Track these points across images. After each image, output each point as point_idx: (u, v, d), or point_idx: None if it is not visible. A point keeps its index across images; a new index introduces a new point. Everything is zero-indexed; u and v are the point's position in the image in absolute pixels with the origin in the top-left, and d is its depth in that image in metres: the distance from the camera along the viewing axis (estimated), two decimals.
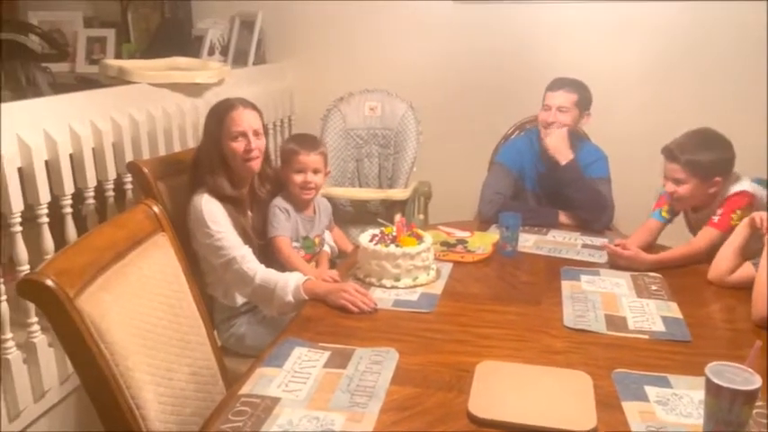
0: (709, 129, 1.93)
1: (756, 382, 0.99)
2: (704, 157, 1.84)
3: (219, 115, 1.78)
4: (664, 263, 1.83)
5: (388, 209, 2.94)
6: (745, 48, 2.91)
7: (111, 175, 2.06)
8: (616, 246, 1.83)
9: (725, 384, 0.99)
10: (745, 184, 1.89)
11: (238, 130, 1.76)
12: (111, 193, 2.08)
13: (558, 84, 2.28)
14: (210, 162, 1.77)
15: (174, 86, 2.39)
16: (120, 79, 2.31)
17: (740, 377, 1.01)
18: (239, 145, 1.76)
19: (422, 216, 2.98)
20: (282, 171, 1.93)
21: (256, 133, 1.79)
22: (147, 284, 1.31)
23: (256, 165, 1.81)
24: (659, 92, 3.06)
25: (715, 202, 1.87)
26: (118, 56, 3.31)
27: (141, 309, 1.26)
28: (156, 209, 1.42)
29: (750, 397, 0.99)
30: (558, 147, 2.22)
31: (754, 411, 1.05)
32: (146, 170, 1.76)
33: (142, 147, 2.18)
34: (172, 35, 3.23)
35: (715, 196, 1.87)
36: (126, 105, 2.14)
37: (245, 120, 1.77)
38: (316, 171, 1.91)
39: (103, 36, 3.35)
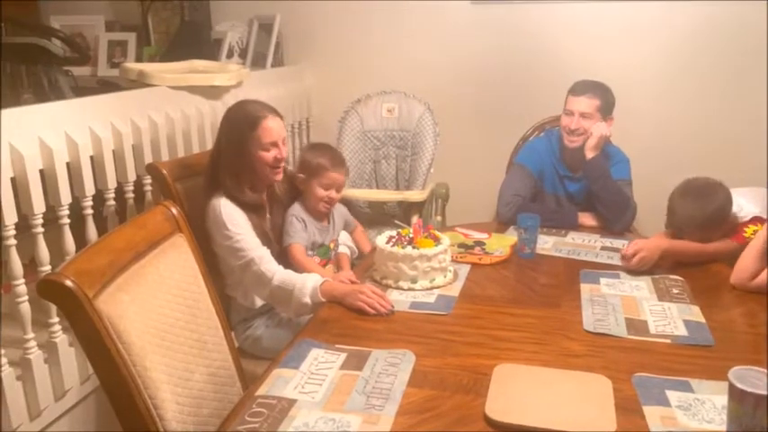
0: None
1: None
2: None
3: (250, 123, 1.74)
4: (673, 250, 1.79)
5: (406, 210, 2.94)
6: (761, 46, 2.86)
7: (131, 176, 2.08)
8: (622, 256, 1.80)
9: (749, 389, 0.97)
10: (746, 210, 1.88)
11: (271, 141, 1.75)
12: (130, 195, 2.10)
13: (581, 88, 2.25)
14: (234, 168, 1.76)
15: (193, 89, 2.41)
16: (140, 82, 2.33)
17: (763, 382, 0.98)
18: (270, 154, 1.76)
19: (439, 218, 2.97)
20: (307, 181, 1.92)
21: (284, 142, 1.80)
22: (165, 285, 1.32)
23: (280, 175, 1.82)
24: (677, 90, 3.00)
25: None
26: (138, 59, 3.35)
27: (159, 309, 1.27)
28: (174, 210, 1.43)
29: None
30: (597, 140, 2.19)
31: None
32: (164, 171, 1.78)
33: (161, 149, 2.20)
34: (191, 38, 3.26)
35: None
36: (145, 108, 2.16)
37: (277, 130, 1.77)
38: (339, 189, 1.93)
39: (124, 40, 3.39)
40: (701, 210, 1.81)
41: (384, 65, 3.29)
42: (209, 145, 2.40)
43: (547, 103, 2.58)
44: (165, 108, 2.25)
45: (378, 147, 3.04)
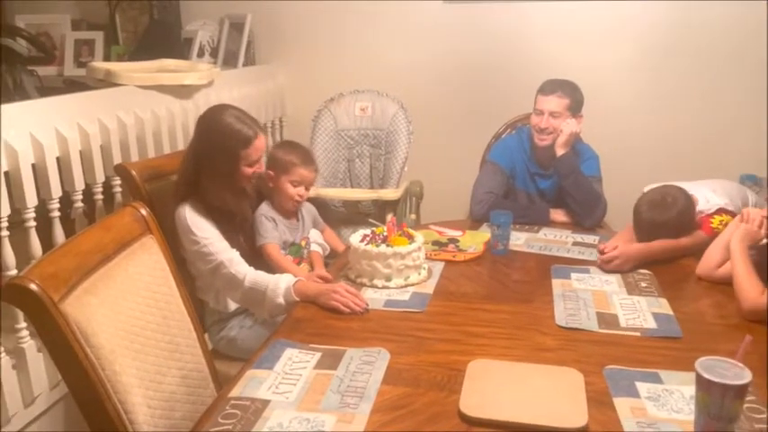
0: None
1: (747, 376, 0.99)
2: None
3: (243, 142, 1.72)
4: (650, 252, 1.82)
5: (380, 209, 2.94)
6: (733, 46, 2.93)
7: (100, 178, 2.04)
8: (600, 251, 1.82)
9: (715, 379, 0.98)
10: (712, 203, 1.93)
11: (257, 158, 1.77)
12: (99, 197, 2.06)
13: (550, 87, 2.27)
14: (222, 182, 1.74)
15: (163, 88, 2.38)
16: (108, 82, 2.29)
17: (730, 372, 1.00)
18: (251, 170, 1.77)
19: (414, 216, 2.98)
20: (276, 179, 1.91)
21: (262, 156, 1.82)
22: (135, 287, 1.30)
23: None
24: (649, 90, 3.07)
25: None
26: (106, 58, 3.29)
27: (129, 312, 1.25)
28: (143, 211, 1.41)
29: (740, 391, 0.99)
30: (567, 137, 2.21)
31: (745, 406, 1.05)
32: (134, 172, 1.75)
33: (131, 149, 2.16)
34: (160, 37, 3.22)
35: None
36: (113, 108, 2.13)
37: (263, 146, 1.78)
38: (308, 186, 1.93)
39: (91, 39, 3.33)
40: (663, 216, 1.86)
41: (357, 64, 3.29)
42: (181, 145, 2.38)
43: (519, 101, 2.60)
44: (134, 108, 2.21)
45: (351, 146, 3.04)
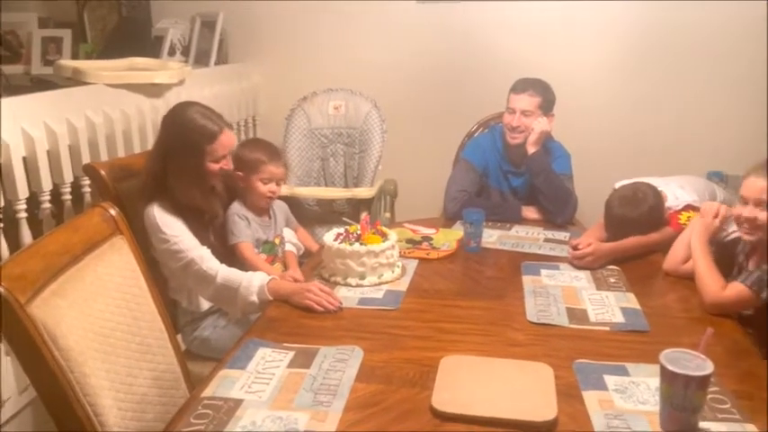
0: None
1: (709, 367, 1.02)
2: None
3: (208, 137, 1.70)
4: (621, 249, 1.86)
5: (355, 208, 2.94)
6: (703, 48, 2.99)
7: (68, 178, 2.01)
8: (573, 246, 1.85)
9: (679, 371, 1.01)
10: (680, 199, 1.97)
11: (223, 154, 1.75)
12: (68, 197, 2.03)
13: (522, 86, 2.30)
14: (189, 179, 1.72)
15: (133, 87, 2.35)
16: (76, 80, 2.26)
17: (693, 363, 1.03)
18: (218, 166, 1.75)
19: (388, 214, 2.99)
20: (246, 178, 1.89)
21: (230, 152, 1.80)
22: (104, 288, 1.29)
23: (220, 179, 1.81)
24: (619, 90, 3.12)
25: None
26: (75, 57, 3.24)
27: (98, 313, 1.24)
28: (112, 211, 1.39)
29: (703, 382, 1.02)
30: (538, 135, 2.24)
31: (708, 396, 1.08)
32: (103, 172, 1.72)
33: (100, 149, 2.13)
34: (130, 35, 3.17)
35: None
36: (82, 107, 2.10)
37: (230, 143, 1.77)
38: (279, 182, 1.92)
39: (59, 37, 3.26)
40: (633, 212, 1.89)
41: (331, 63, 3.29)
42: (151, 145, 2.34)
43: (492, 99, 2.63)
44: (103, 107, 2.18)
45: (325, 144, 3.04)
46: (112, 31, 3.28)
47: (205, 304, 1.83)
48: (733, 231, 1.72)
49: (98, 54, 3.20)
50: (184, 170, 1.71)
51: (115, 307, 1.30)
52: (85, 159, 2.05)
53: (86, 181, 2.06)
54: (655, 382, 1.11)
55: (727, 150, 3.00)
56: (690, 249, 1.71)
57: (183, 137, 1.71)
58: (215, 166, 1.74)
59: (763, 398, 1.16)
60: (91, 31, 3.33)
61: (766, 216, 1.52)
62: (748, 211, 1.55)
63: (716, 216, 1.71)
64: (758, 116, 2.96)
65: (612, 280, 1.72)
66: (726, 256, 1.70)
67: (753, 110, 2.98)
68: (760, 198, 1.53)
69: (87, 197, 2.09)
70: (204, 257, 1.68)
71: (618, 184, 2.02)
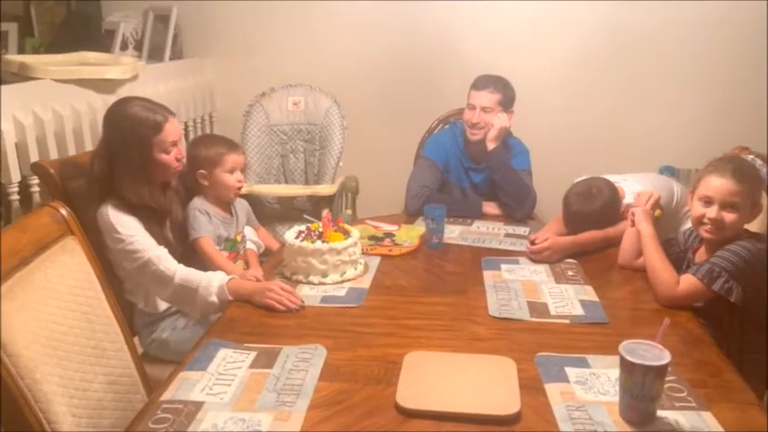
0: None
1: (666, 357, 1.05)
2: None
3: (153, 128, 1.66)
4: (579, 243, 1.89)
5: (316, 205, 2.91)
6: (655, 49, 3.07)
7: (15, 177, 1.93)
8: (531, 241, 1.87)
9: (637, 361, 1.03)
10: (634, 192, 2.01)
11: (172, 142, 1.70)
12: (15, 197, 1.95)
13: (483, 83, 2.32)
14: (136, 174, 1.67)
15: (84, 83, 2.28)
16: (23, 75, 2.17)
17: (651, 354, 1.06)
18: (171, 156, 1.70)
19: (350, 211, 2.97)
20: (210, 175, 1.87)
21: (181, 139, 1.75)
22: (56, 291, 1.24)
23: (179, 171, 1.77)
24: (579, 89, 3.17)
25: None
26: (21, 51, 3.11)
27: (49, 317, 1.19)
28: (63, 211, 1.34)
29: (661, 372, 1.04)
30: (497, 131, 2.26)
31: (666, 385, 1.11)
32: (52, 171, 1.66)
33: (49, 147, 2.06)
34: (80, 29, 3.07)
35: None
36: (29, 103, 2.02)
37: (177, 129, 1.72)
38: (242, 170, 1.92)
39: (4, 30, 3.13)
40: (590, 207, 1.93)
41: (289, 58, 3.25)
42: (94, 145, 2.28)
43: (452, 96, 2.64)
44: (52, 103, 2.11)
45: (285, 141, 3.00)
46: (61, 25, 3.16)
47: (163, 305, 1.78)
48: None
49: (46, 48, 3.08)
50: (132, 167, 1.66)
51: (68, 310, 1.25)
52: (34, 158, 1.98)
53: (35, 180, 1.98)
54: (614, 372, 1.13)
55: (677, 146, 3.10)
56: (638, 242, 1.76)
57: (129, 133, 1.66)
58: (166, 157, 1.69)
59: (717, 385, 1.19)
60: (38, 24, 3.20)
61: (733, 218, 1.53)
62: (714, 212, 1.54)
63: (646, 203, 1.75)
64: (707, 114, 3.07)
65: (570, 273, 1.75)
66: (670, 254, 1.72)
67: (702, 109, 3.09)
68: (729, 201, 1.53)
69: (36, 197, 2.02)
70: (162, 257, 1.64)
71: (577, 180, 2.06)
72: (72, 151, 2.15)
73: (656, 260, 1.61)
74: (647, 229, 1.68)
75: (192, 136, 3.06)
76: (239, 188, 1.91)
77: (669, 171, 3.02)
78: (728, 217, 1.54)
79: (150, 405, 1.14)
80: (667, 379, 1.10)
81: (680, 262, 1.71)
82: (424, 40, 3.19)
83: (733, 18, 2.97)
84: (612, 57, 3.11)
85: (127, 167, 1.66)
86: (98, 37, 3.09)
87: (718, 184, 1.54)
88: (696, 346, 1.36)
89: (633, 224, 1.88)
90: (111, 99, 2.36)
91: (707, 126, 3.07)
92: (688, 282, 1.53)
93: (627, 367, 1.05)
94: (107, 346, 1.33)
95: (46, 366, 1.12)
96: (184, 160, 1.77)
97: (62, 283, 1.27)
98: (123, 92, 2.43)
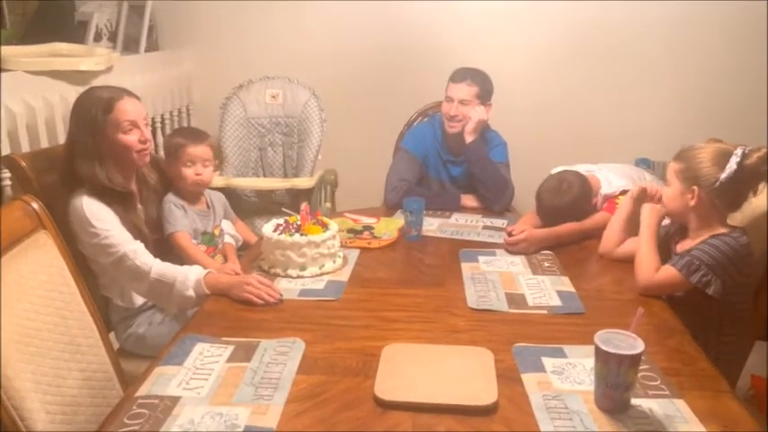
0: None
1: (640, 346, 1.06)
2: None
3: (103, 107, 1.64)
4: (555, 235, 1.91)
5: (294, 198, 2.90)
6: (629, 42, 3.10)
7: None
8: (508, 233, 1.88)
9: (612, 350, 1.05)
10: (614, 185, 2.04)
11: (129, 121, 1.66)
12: None
13: (461, 75, 2.32)
14: (91, 156, 1.64)
15: (56, 74, 2.23)
16: None
17: (625, 343, 1.07)
18: (131, 137, 1.66)
19: (329, 204, 2.96)
20: (171, 166, 1.86)
21: (146, 123, 1.71)
22: (28, 287, 1.22)
23: (147, 156, 1.73)
24: (554, 81, 3.19)
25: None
26: None
27: (22, 313, 1.17)
28: (35, 205, 1.32)
29: (635, 360, 1.06)
30: (475, 124, 2.27)
31: (640, 374, 1.13)
32: (24, 164, 1.63)
33: (21, 140, 2.02)
34: (52, 20, 3.00)
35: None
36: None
37: (134, 110, 1.67)
38: (205, 163, 1.86)
39: None
40: (561, 201, 1.96)
41: (267, 50, 3.22)
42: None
43: (431, 88, 2.64)
44: (24, 95, 2.06)
45: (263, 134, 2.98)
46: (33, 16, 3.09)
47: (139, 300, 1.76)
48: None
49: (18, 40, 3.01)
50: (87, 148, 1.64)
51: (41, 306, 1.23)
52: (5, 151, 1.94)
53: (6, 174, 1.94)
54: (590, 362, 1.14)
55: (652, 138, 3.14)
56: (623, 234, 1.78)
57: (82, 113, 1.65)
58: (124, 137, 1.65)
59: (690, 373, 1.22)
60: (10, 15, 3.13)
61: (666, 192, 1.62)
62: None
63: (658, 199, 1.77)
64: (680, 108, 3.12)
65: (547, 264, 1.76)
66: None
67: (675, 102, 3.14)
68: (668, 177, 1.62)
69: (8, 191, 1.97)
70: (138, 252, 1.62)
71: (554, 170, 2.08)
72: (44, 144, 2.11)
73: (646, 248, 1.63)
74: (650, 221, 1.69)
75: (168, 129, 3.02)
76: (197, 182, 1.86)
77: (645, 163, 3.06)
78: (664, 192, 1.66)
79: (125, 401, 1.13)
80: (641, 367, 1.12)
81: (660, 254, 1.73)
82: (402, 33, 3.18)
83: (704, 12, 3.01)
84: (589, 51, 3.14)
85: (82, 148, 1.64)
86: (71, 28, 3.03)
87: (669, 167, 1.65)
88: (670, 335, 1.38)
89: (614, 212, 1.90)
90: None
91: (680, 119, 3.12)
92: (667, 272, 1.55)
93: (602, 357, 1.06)
94: (81, 341, 1.31)
95: (18, 363, 1.10)
96: (150, 145, 1.72)
97: (34, 279, 1.24)
98: (97, 83, 2.38)
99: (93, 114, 1.63)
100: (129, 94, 1.70)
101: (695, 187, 1.55)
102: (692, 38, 3.05)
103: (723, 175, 1.51)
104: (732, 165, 1.50)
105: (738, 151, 1.51)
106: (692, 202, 1.57)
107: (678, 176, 1.60)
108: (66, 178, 1.65)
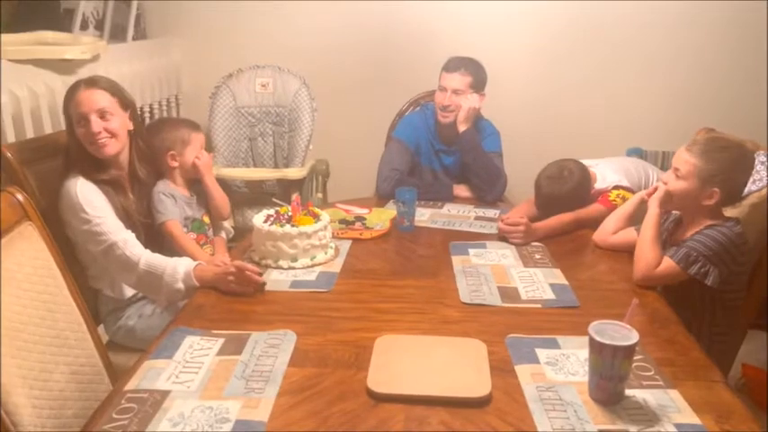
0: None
1: (634, 337, 1.05)
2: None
3: (67, 98, 1.67)
4: (551, 228, 1.90)
5: (285, 189, 2.88)
6: (624, 37, 3.09)
7: None
8: (503, 222, 1.87)
9: (606, 341, 1.04)
10: (608, 180, 2.03)
11: (80, 113, 1.64)
12: None
13: (454, 65, 2.30)
14: (73, 146, 1.67)
15: (42, 63, 2.19)
16: None
17: (620, 334, 1.06)
18: (82, 129, 1.65)
19: (320, 194, 2.95)
20: (181, 155, 1.84)
21: (101, 114, 1.65)
22: (14, 280, 1.19)
23: (108, 148, 1.67)
24: (549, 72, 3.17)
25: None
26: None
27: (7, 307, 1.15)
28: (20, 196, 1.29)
29: (629, 351, 1.05)
30: (467, 112, 2.25)
31: (634, 365, 1.12)
32: (9, 155, 1.60)
33: (6, 129, 1.98)
34: (37, 8, 2.94)
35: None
36: None
37: (87, 102, 1.65)
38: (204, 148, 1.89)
39: None
40: (561, 189, 1.95)
41: (256, 38, 3.18)
42: (64, 124, 2.20)
43: (423, 78, 2.61)
44: (9, 84, 2.03)
45: (253, 123, 2.95)
46: (19, 4, 3.04)
47: (129, 291, 1.75)
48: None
49: (3, 28, 2.96)
50: (68, 138, 1.70)
51: (27, 299, 1.21)
52: None
53: None
54: (584, 353, 1.13)
55: (645, 128, 3.13)
56: (621, 224, 1.78)
57: (63, 106, 1.71)
58: (78, 130, 1.66)
59: (684, 363, 1.21)
60: None
61: (678, 186, 1.56)
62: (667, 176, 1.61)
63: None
64: (671, 98, 3.12)
65: (538, 256, 1.75)
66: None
67: (666, 92, 3.13)
68: (680, 168, 1.56)
69: None
70: (128, 242, 1.60)
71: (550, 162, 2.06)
72: (30, 134, 2.07)
73: (649, 238, 1.59)
74: (655, 210, 1.64)
75: (158, 117, 2.98)
76: (208, 166, 1.91)
77: (637, 152, 3.05)
78: (675, 185, 1.57)
79: (114, 395, 1.11)
80: (635, 358, 1.11)
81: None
82: (395, 22, 3.14)
83: (701, 10, 2.99)
84: (581, 41, 3.12)
85: (68, 140, 1.69)
86: (57, 17, 2.98)
87: (678, 153, 1.58)
88: (664, 326, 1.38)
89: (609, 206, 1.89)
90: (71, 80, 2.27)
91: (671, 109, 3.11)
92: (665, 264, 1.54)
93: (596, 347, 1.06)
94: (69, 335, 1.29)
95: (4, 357, 1.08)
96: (102, 135, 1.66)
97: (20, 272, 1.22)
98: (84, 73, 2.35)
99: (65, 107, 1.68)
100: (91, 84, 1.68)
101: (717, 189, 1.52)
102: (688, 35, 3.04)
103: (754, 187, 1.49)
104: (763, 176, 1.48)
105: (763, 158, 1.49)
106: (710, 203, 1.54)
107: (696, 174, 1.53)
108: (63, 161, 1.69)
